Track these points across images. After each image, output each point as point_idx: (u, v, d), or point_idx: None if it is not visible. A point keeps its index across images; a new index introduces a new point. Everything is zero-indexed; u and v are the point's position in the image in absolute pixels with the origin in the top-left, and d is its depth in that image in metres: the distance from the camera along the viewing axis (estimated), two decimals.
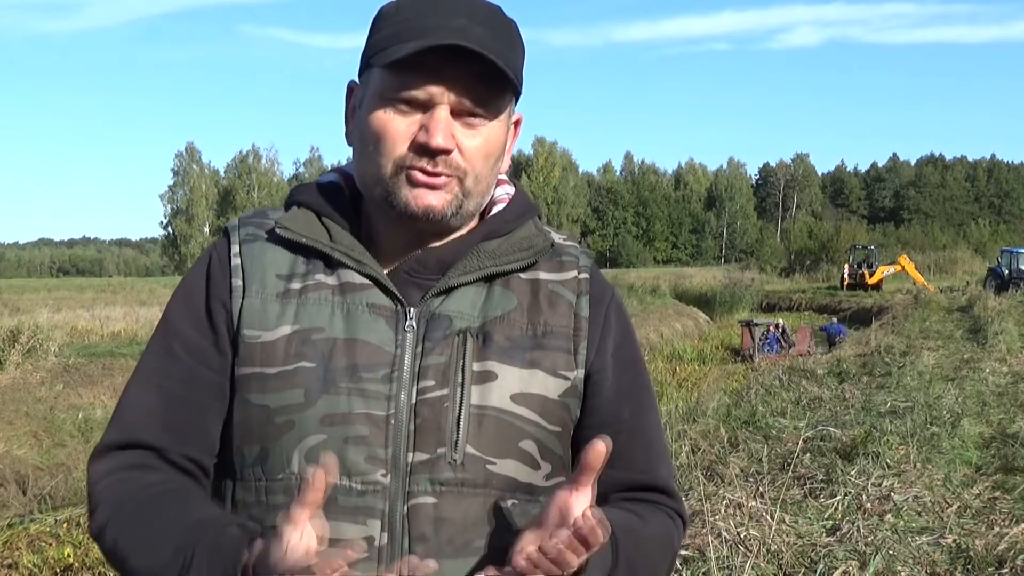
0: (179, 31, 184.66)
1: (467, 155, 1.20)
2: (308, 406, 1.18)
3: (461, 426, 1.19)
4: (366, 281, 1.23)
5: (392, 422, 1.18)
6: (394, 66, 1.17)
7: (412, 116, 1.19)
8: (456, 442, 1.19)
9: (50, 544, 5.88)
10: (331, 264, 1.24)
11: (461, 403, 1.20)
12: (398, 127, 1.19)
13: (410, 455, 1.18)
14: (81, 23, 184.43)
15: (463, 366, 1.21)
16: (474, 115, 1.20)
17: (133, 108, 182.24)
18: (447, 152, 1.18)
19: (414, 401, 1.19)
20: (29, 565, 5.55)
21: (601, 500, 1.28)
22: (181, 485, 1.22)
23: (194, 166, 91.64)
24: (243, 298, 1.24)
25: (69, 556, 5.58)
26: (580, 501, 1.08)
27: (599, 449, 1.07)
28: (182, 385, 1.24)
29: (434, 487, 1.18)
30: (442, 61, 1.15)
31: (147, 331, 20.85)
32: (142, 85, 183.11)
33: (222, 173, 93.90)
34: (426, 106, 1.18)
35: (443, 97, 1.18)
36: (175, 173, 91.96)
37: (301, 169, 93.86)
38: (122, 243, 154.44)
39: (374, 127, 1.20)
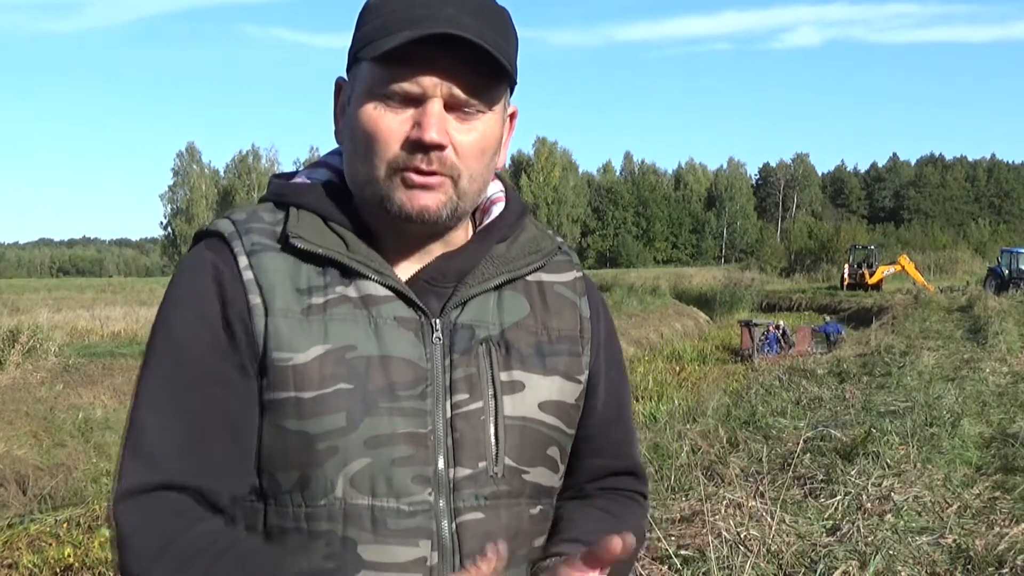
0: (181, 31, 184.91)
1: (461, 152, 1.16)
2: (351, 430, 1.13)
3: (500, 438, 1.18)
4: (388, 293, 1.18)
5: (432, 439, 1.16)
6: (383, 59, 1.12)
7: (404, 112, 1.14)
8: (496, 455, 1.18)
9: (50, 544, 5.88)
10: (347, 274, 1.18)
11: (496, 415, 1.19)
12: (390, 124, 1.14)
13: (451, 471, 1.16)
14: (82, 23, 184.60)
15: (492, 377, 1.19)
16: (469, 107, 1.16)
17: (133, 108, 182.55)
18: (441, 148, 1.14)
19: (449, 416, 1.17)
20: (29, 565, 5.54)
21: (579, 489, 1.33)
22: (246, 539, 1.14)
23: (194, 166, 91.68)
24: (267, 317, 1.14)
25: (69, 556, 5.58)
26: None
27: (617, 546, 1.04)
28: (210, 418, 1.13)
29: (479, 501, 1.17)
30: (434, 51, 1.11)
31: (147, 331, 20.74)
32: (143, 85, 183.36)
33: (222, 173, 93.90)
34: (418, 100, 1.14)
35: (436, 89, 1.13)
36: (175, 173, 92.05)
37: (301, 169, 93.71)
38: (122, 243, 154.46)
39: (365, 125, 1.16)
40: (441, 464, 1.16)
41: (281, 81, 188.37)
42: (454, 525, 1.15)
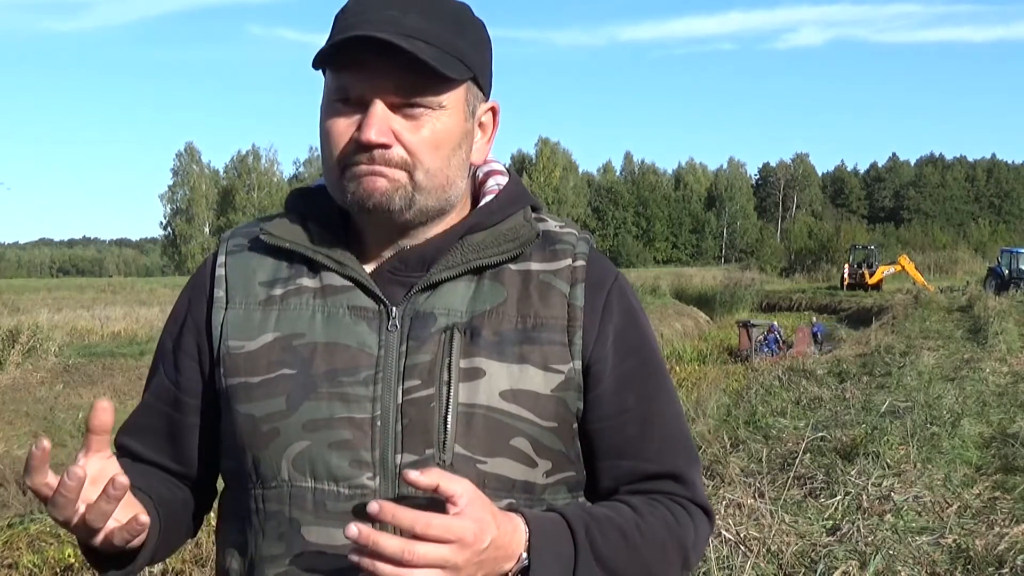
0: (184, 31, 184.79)
1: (410, 148, 1.18)
2: (290, 413, 1.18)
3: (449, 425, 1.16)
4: (347, 283, 1.22)
5: (378, 424, 1.17)
6: (326, 66, 1.19)
7: (353, 115, 1.18)
8: (444, 442, 1.16)
9: (50, 544, 5.88)
10: (314, 267, 1.24)
11: (448, 402, 1.17)
12: (339, 127, 1.19)
13: (398, 457, 1.16)
14: (87, 23, 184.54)
15: (449, 363, 1.18)
16: (412, 106, 1.17)
17: (134, 108, 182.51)
18: (384, 147, 1.16)
19: (400, 402, 1.17)
20: (29, 565, 5.55)
21: (611, 493, 1.27)
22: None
23: (194, 166, 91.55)
24: (226, 309, 1.25)
25: (69, 556, 5.58)
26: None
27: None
28: (154, 396, 1.32)
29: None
30: (367, 55, 1.14)
31: (147, 331, 20.90)
32: (144, 85, 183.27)
33: (222, 173, 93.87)
34: (363, 102, 1.17)
35: (373, 91, 1.16)
36: (175, 173, 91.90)
37: (301, 169, 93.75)
38: (122, 243, 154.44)
39: (322, 130, 1.21)
40: (388, 450, 1.16)
41: (283, 81, 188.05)
42: None
